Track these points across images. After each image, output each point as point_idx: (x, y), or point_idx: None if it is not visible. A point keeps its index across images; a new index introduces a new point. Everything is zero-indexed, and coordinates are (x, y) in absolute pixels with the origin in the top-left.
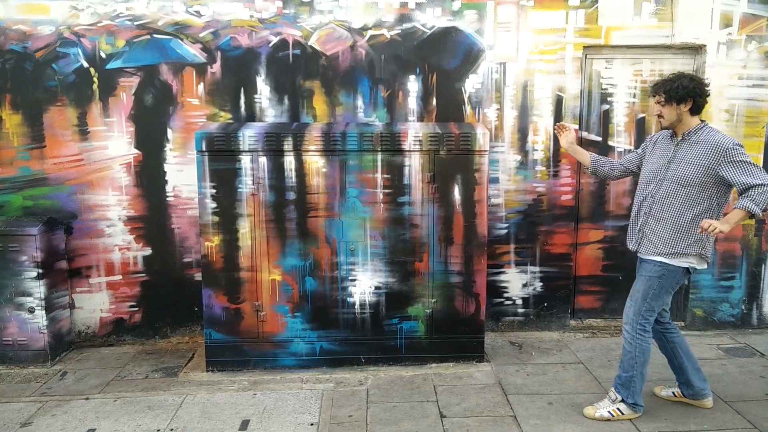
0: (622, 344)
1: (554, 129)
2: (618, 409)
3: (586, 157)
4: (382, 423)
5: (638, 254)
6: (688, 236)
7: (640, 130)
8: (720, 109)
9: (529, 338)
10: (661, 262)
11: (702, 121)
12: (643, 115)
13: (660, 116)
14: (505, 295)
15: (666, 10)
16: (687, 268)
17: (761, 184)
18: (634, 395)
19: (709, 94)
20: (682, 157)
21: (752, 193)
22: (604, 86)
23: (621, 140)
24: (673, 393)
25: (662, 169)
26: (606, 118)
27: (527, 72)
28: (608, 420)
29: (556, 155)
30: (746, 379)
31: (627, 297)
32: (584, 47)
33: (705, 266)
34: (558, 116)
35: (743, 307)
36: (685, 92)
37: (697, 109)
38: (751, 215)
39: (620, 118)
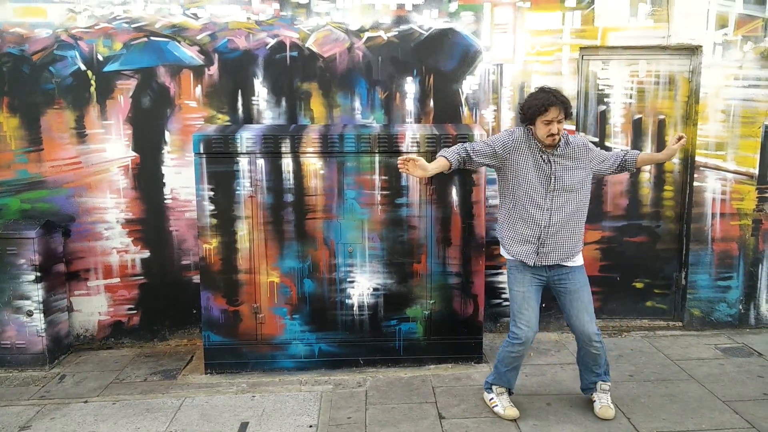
0: (598, 354)
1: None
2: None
3: (441, 161)
4: (381, 424)
5: (547, 265)
6: (579, 235)
7: (637, 130)
8: (716, 109)
9: None
10: (581, 265)
11: None
12: (640, 115)
13: (555, 135)
14: (504, 296)
15: (662, 11)
16: None
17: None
18: None
19: None
20: (564, 166)
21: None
22: (600, 87)
23: (618, 141)
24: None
25: (546, 181)
26: (603, 118)
27: (524, 73)
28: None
29: None
30: (744, 379)
31: (589, 307)
32: (581, 48)
33: None
34: None
35: (741, 307)
36: (571, 112)
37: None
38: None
39: (617, 119)
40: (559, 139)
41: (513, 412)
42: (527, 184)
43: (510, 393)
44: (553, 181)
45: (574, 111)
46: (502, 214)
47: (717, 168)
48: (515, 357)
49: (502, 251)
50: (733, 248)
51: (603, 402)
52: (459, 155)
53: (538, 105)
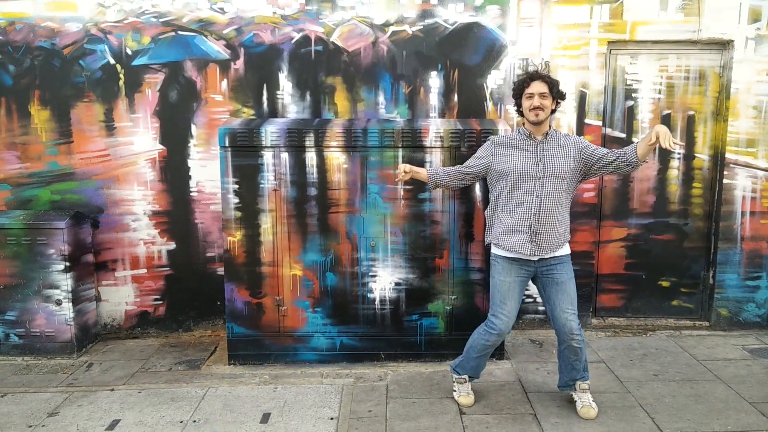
0: (579, 347)
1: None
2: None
3: (423, 173)
4: (402, 418)
5: (541, 257)
6: (567, 224)
7: (666, 126)
8: (747, 105)
9: (549, 336)
10: (569, 254)
11: None
12: (669, 111)
13: (539, 108)
14: (526, 292)
15: (692, 5)
16: None
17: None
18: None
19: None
20: (553, 153)
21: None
22: (628, 82)
23: None
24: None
25: (535, 167)
26: (630, 114)
27: (550, 67)
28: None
29: None
30: None
31: (574, 300)
32: (609, 42)
33: None
34: (581, 112)
35: None
36: (563, 92)
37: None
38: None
39: (645, 115)
40: (544, 117)
41: (467, 400)
42: (515, 174)
43: (471, 379)
44: (541, 167)
45: (601, 106)
46: (490, 212)
47: (747, 165)
48: (489, 346)
49: (493, 249)
50: (763, 247)
51: (584, 401)
52: (439, 178)
53: (521, 80)
